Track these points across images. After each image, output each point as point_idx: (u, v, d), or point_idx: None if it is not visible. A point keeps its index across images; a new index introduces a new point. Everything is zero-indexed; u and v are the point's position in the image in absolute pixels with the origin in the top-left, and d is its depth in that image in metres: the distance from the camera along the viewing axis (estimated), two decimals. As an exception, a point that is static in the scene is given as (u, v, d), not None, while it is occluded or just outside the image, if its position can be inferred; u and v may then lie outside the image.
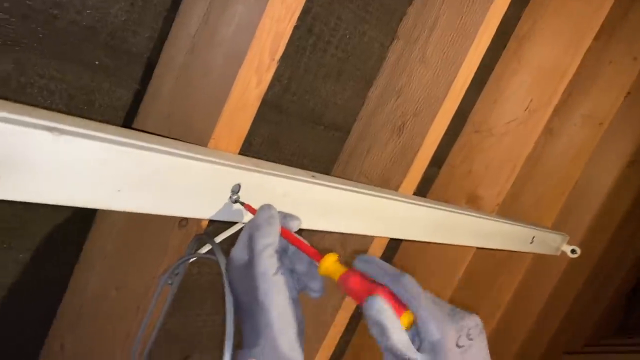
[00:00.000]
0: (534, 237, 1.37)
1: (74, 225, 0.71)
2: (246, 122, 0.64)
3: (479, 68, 0.97)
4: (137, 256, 0.68)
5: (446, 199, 1.31)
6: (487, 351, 0.49)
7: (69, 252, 0.73)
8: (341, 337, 1.10)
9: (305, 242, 0.56)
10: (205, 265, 0.92)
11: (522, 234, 1.33)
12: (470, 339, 0.47)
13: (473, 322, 0.48)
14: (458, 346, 0.46)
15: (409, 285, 0.48)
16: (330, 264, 0.54)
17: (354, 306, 1.06)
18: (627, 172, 2.03)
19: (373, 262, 0.51)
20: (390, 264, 0.52)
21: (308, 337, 0.52)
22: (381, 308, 0.47)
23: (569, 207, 1.73)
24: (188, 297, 0.93)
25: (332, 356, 1.11)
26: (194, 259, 0.66)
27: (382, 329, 0.46)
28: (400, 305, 0.48)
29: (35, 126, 0.41)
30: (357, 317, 1.41)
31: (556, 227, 1.58)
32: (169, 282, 0.65)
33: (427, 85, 0.95)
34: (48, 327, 0.76)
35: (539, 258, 1.69)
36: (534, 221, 1.51)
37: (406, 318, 0.48)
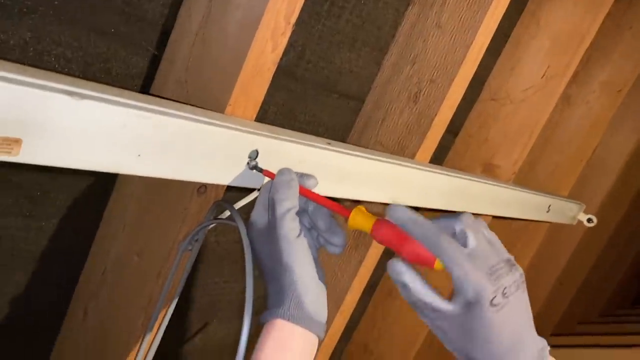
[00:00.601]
0: (550, 205, 1.36)
1: (94, 193, 0.72)
2: (262, 88, 0.64)
3: (495, 33, 0.96)
4: (157, 223, 0.69)
5: (462, 167, 1.30)
6: (527, 304, 0.50)
7: (90, 220, 0.74)
8: (357, 305, 1.11)
9: (326, 198, 0.56)
10: (222, 234, 0.93)
11: (538, 203, 1.33)
12: (506, 297, 0.47)
13: (511, 280, 0.48)
14: (493, 305, 0.46)
15: (443, 244, 0.49)
16: (360, 216, 0.55)
17: (370, 273, 1.06)
18: (646, 141, 2.00)
19: (407, 215, 0.51)
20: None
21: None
22: (399, 270, 0.50)
23: (585, 176, 1.71)
24: (207, 266, 0.94)
25: (348, 322, 1.12)
26: (213, 225, 0.66)
27: (404, 287, 0.49)
28: (430, 254, 0.49)
29: (55, 90, 0.42)
30: (374, 285, 1.42)
31: (573, 197, 1.57)
32: (189, 248, 0.66)
33: (443, 51, 0.94)
34: (71, 293, 0.77)
35: (555, 228, 1.69)
36: (551, 190, 1.50)
37: (438, 265, 0.49)
